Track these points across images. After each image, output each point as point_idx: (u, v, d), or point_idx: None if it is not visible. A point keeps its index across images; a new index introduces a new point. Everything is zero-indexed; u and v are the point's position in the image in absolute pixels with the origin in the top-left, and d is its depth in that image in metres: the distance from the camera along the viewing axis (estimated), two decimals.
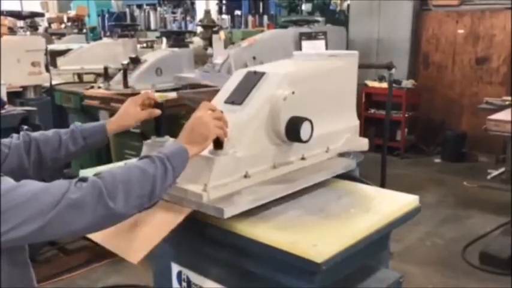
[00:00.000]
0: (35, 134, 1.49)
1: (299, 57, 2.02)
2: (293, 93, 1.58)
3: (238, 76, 1.74)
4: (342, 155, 1.88)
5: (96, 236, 1.44)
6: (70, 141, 1.52)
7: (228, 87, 1.73)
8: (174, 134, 1.50)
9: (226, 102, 1.66)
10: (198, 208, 1.42)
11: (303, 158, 1.71)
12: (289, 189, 1.59)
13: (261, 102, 1.59)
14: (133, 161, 1.28)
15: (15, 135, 1.46)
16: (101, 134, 1.58)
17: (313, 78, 1.76)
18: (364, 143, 1.94)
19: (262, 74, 1.67)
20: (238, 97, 1.65)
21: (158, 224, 1.40)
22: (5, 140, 1.42)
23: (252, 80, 1.67)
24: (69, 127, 1.57)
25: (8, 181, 1.10)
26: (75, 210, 1.10)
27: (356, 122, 1.95)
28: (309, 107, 1.63)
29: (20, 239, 1.09)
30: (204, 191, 1.41)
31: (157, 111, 1.62)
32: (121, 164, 1.68)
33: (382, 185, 2.76)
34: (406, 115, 6.60)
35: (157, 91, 4.04)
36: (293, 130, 1.56)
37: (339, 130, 1.85)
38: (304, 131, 1.56)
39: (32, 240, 1.13)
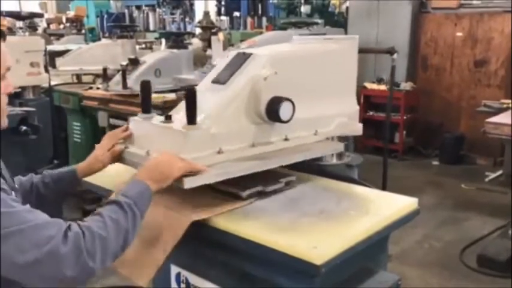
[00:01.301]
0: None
1: (297, 41, 2.02)
2: (275, 73, 1.58)
3: (229, 57, 1.77)
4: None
5: None
6: (40, 184, 1.55)
7: (219, 67, 1.76)
8: None
9: (213, 82, 1.69)
10: None
11: (286, 139, 1.71)
12: (261, 166, 1.58)
13: (243, 82, 1.60)
14: (103, 209, 1.24)
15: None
16: (70, 177, 1.61)
17: (302, 59, 1.75)
18: (358, 128, 1.92)
19: (250, 54, 1.68)
20: (223, 77, 1.67)
21: (160, 243, 1.42)
22: None
23: (239, 61, 1.70)
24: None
25: None
26: (55, 263, 1.09)
27: (355, 108, 1.93)
28: (295, 88, 1.63)
29: None
30: None
31: (118, 148, 1.64)
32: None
33: (384, 187, 2.75)
34: (405, 117, 6.61)
35: (156, 92, 4.03)
36: (272, 109, 1.56)
37: (332, 114, 1.83)
38: (284, 110, 1.56)
39: None
